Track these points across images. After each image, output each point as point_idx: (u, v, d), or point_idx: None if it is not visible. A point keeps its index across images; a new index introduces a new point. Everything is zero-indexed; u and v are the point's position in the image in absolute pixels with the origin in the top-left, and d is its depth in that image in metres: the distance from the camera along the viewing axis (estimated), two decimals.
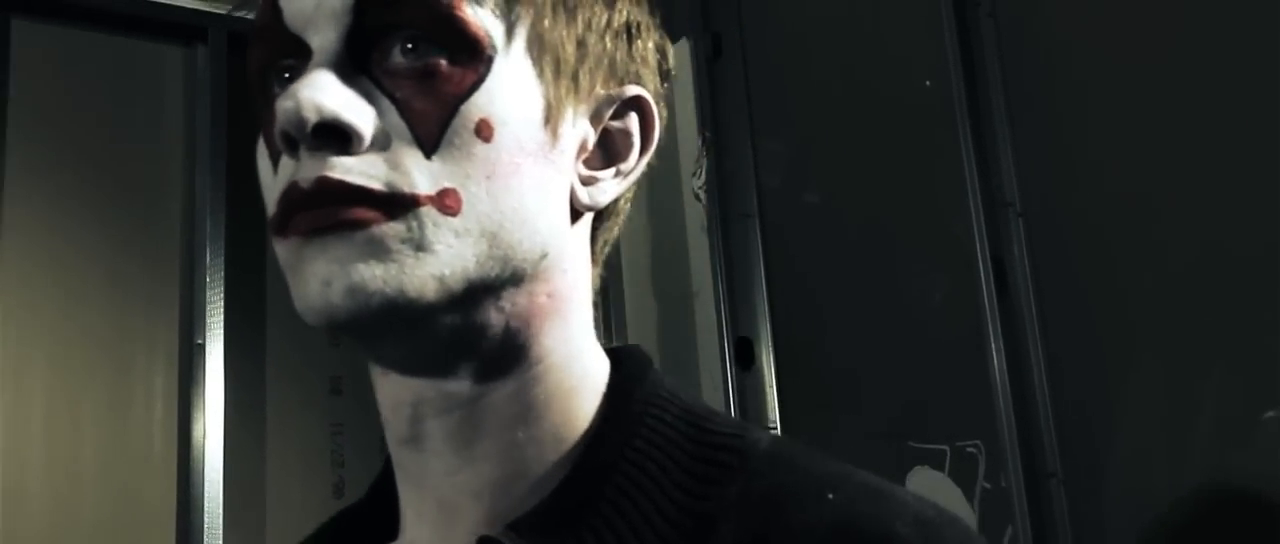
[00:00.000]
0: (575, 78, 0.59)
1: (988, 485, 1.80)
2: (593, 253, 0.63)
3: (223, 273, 2.12)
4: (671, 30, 2.33)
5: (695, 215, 2.42)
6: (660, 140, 0.64)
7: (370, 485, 0.66)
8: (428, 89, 0.54)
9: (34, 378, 2.06)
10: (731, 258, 2.33)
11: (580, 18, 0.60)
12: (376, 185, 0.52)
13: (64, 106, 2.19)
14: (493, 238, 0.54)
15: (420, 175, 0.53)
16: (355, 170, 0.52)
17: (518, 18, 0.57)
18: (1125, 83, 1.67)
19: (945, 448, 1.87)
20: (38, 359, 2.08)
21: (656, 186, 2.56)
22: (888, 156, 2.05)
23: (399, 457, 0.60)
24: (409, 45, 0.54)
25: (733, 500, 0.55)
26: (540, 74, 0.57)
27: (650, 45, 0.65)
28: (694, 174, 2.43)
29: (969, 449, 1.83)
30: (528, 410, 0.58)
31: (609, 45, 0.61)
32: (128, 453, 2.13)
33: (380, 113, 0.54)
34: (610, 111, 0.61)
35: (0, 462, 1.99)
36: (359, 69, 0.55)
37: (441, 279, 0.53)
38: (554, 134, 0.57)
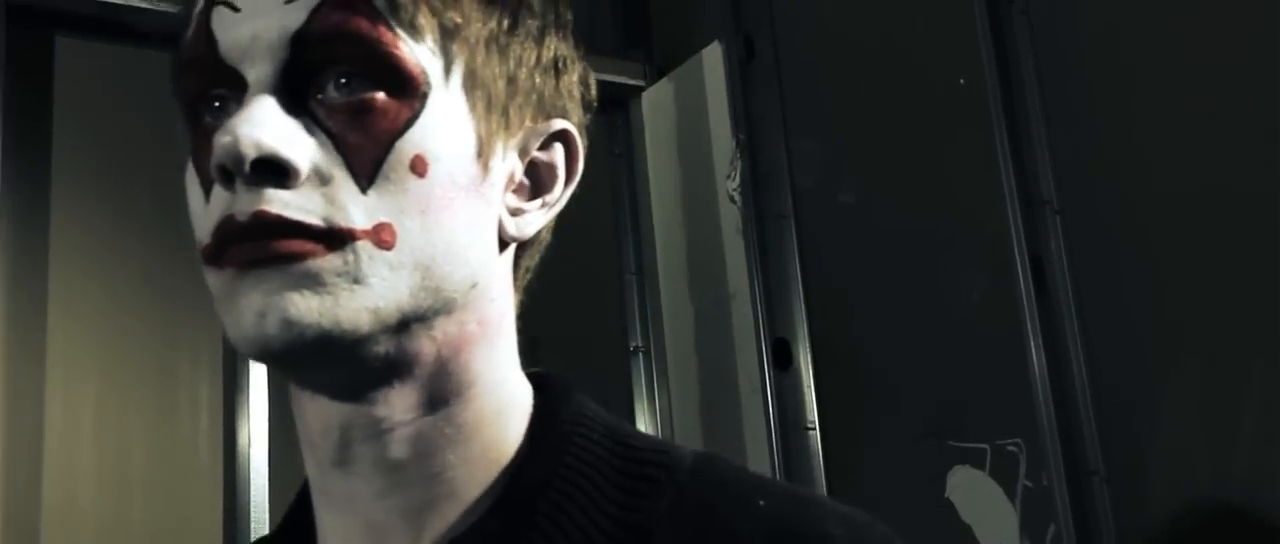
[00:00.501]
0: (506, 113, 0.61)
1: (1029, 484, 1.79)
2: (515, 281, 0.65)
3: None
4: (704, 32, 2.33)
5: (730, 217, 2.43)
6: (584, 171, 0.65)
7: (285, 515, 0.67)
8: (363, 124, 0.55)
9: (83, 388, 2.10)
10: (767, 259, 2.33)
11: (511, 55, 0.61)
12: (313, 220, 0.53)
13: (111, 121, 2.23)
14: (426, 270, 0.55)
15: (356, 209, 0.54)
16: (292, 204, 0.53)
17: (453, 55, 0.58)
18: (1162, 77, 1.66)
19: (985, 447, 1.87)
20: (87, 370, 2.11)
21: (691, 189, 2.57)
22: (923, 155, 2.04)
23: (324, 482, 0.60)
24: (343, 80, 0.55)
25: (664, 512, 0.58)
26: (473, 110, 0.59)
27: (576, 78, 0.67)
28: (728, 176, 2.43)
29: (1010, 448, 1.83)
30: (458, 433, 0.59)
31: (538, 81, 0.63)
32: (174, 461, 2.16)
33: (316, 147, 0.54)
34: (537, 144, 0.63)
35: (50, 471, 2.03)
36: (295, 103, 0.55)
37: (376, 311, 0.54)
38: (485, 168, 0.59)
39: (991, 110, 1.88)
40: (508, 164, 0.61)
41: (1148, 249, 1.66)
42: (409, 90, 0.56)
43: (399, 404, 0.57)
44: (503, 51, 0.61)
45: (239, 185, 0.53)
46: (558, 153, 0.64)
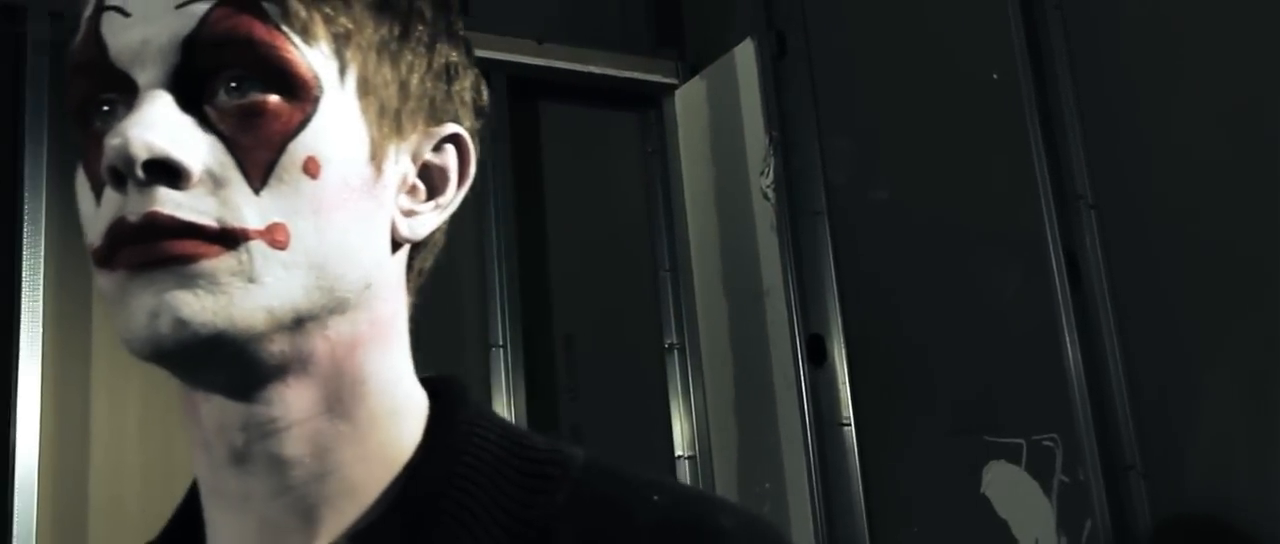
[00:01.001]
0: (398, 117, 0.61)
1: (1065, 479, 1.79)
2: (408, 282, 0.66)
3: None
4: (736, 30, 2.34)
5: (764, 214, 2.43)
6: (476, 174, 0.66)
7: (171, 516, 0.67)
8: (256, 126, 0.55)
9: (128, 387, 2.14)
10: (801, 255, 2.34)
11: (403, 61, 0.62)
12: (206, 221, 0.53)
13: None
14: (320, 270, 0.56)
15: (249, 210, 0.54)
16: (185, 205, 0.53)
17: (346, 60, 0.59)
18: (1197, 68, 1.66)
19: (1021, 442, 1.86)
20: (132, 368, 2.15)
21: (725, 187, 2.58)
22: (956, 150, 2.04)
23: (218, 481, 0.60)
24: (234, 84, 0.56)
25: (561, 508, 0.59)
26: (365, 114, 0.59)
27: (467, 84, 0.67)
28: (762, 173, 2.44)
29: (1046, 443, 1.82)
30: (354, 431, 0.60)
31: (430, 86, 0.64)
32: None
33: (208, 149, 0.55)
34: (430, 148, 0.64)
35: (96, 469, 2.07)
36: (187, 105, 0.56)
37: (270, 310, 0.54)
38: (378, 170, 0.60)
39: (1025, 104, 1.87)
40: (401, 167, 0.62)
41: (1183, 243, 1.65)
42: (301, 93, 0.56)
43: (294, 403, 0.58)
44: (394, 57, 0.62)
45: (130, 187, 0.54)
46: (450, 156, 0.65)
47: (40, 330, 2.02)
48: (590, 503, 0.60)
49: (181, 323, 0.53)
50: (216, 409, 0.58)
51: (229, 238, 0.54)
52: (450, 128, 0.65)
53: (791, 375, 2.30)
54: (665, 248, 2.71)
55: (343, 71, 0.59)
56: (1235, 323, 1.58)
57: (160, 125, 0.54)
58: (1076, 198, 1.80)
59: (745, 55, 2.52)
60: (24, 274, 2.02)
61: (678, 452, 2.59)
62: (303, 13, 0.57)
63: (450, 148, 0.65)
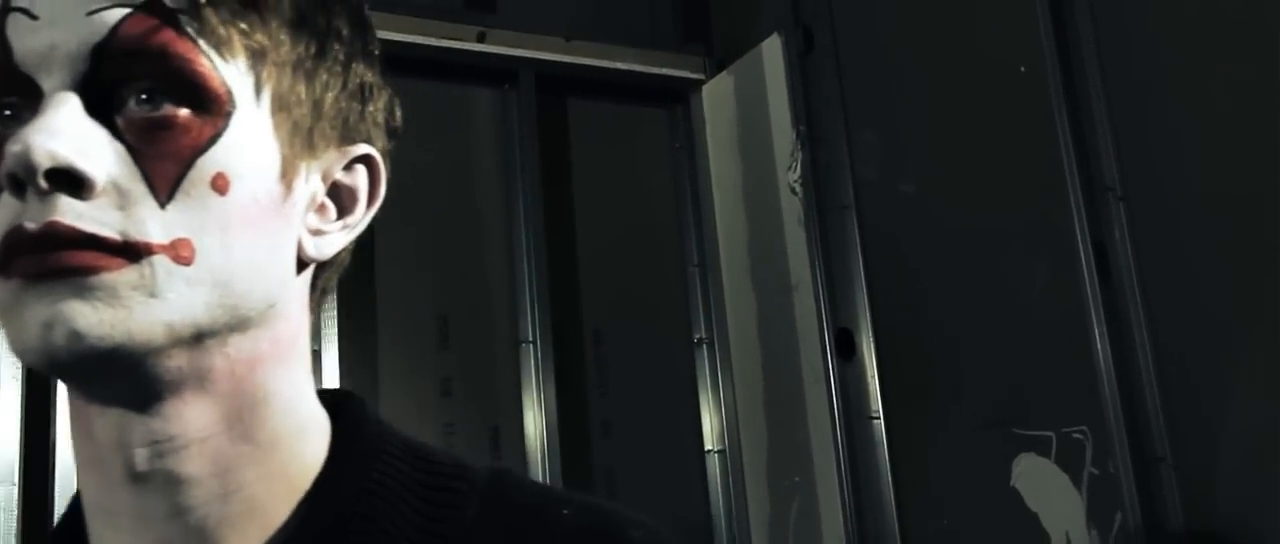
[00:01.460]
0: (311, 136, 0.61)
1: (1095, 471, 1.78)
2: (311, 301, 0.65)
3: (335, 283, 2.20)
4: (762, 25, 2.34)
5: (792, 209, 2.44)
6: (385, 196, 0.66)
7: (51, 536, 0.64)
8: (164, 140, 0.54)
9: None
10: (829, 250, 2.34)
11: (318, 81, 0.61)
12: (109, 233, 0.52)
13: None
14: (224, 287, 0.55)
15: (154, 224, 0.53)
16: (87, 216, 0.52)
17: (261, 77, 0.58)
18: (1225, 58, 1.65)
19: (1051, 434, 1.86)
20: None
21: (753, 182, 2.58)
22: (984, 143, 2.04)
23: (110, 499, 0.58)
24: (144, 95, 0.54)
25: (472, 522, 0.60)
26: (278, 131, 0.59)
27: (381, 105, 0.67)
28: (789, 168, 2.44)
29: (1075, 435, 1.82)
30: (256, 450, 0.59)
31: (344, 106, 0.63)
32: None
33: (115, 159, 0.53)
34: (341, 167, 0.63)
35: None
36: (94, 113, 0.54)
37: (170, 326, 0.53)
38: (288, 188, 0.59)
39: (1053, 96, 1.87)
40: (310, 186, 0.61)
41: (1213, 233, 1.65)
42: (213, 108, 0.55)
43: (193, 420, 0.57)
44: (310, 76, 0.61)
45: (30, 195, 0.52)
46: (361, 176, 0.64)
47: None
48: (503, 515, 0.61)
49: (77, 335, 0.51)
50: (113, 425, 0.57)
51: (132, 251, 0.52)
52: (362, 148, 0.64)
53: (820, 369, 2.31)
54: (694, 243, 2.72)
55: (258, 88, 0.58)
56: (1265, 314, 1.58)
57: (65, 133, 0.52)
58: (1105, 189, 1.80)
59: (772, 50, 2.53)
60: None
61: (707, 446, 2.60)
62: (220, 28, 0.56)
63: (361, 168, 0.64)
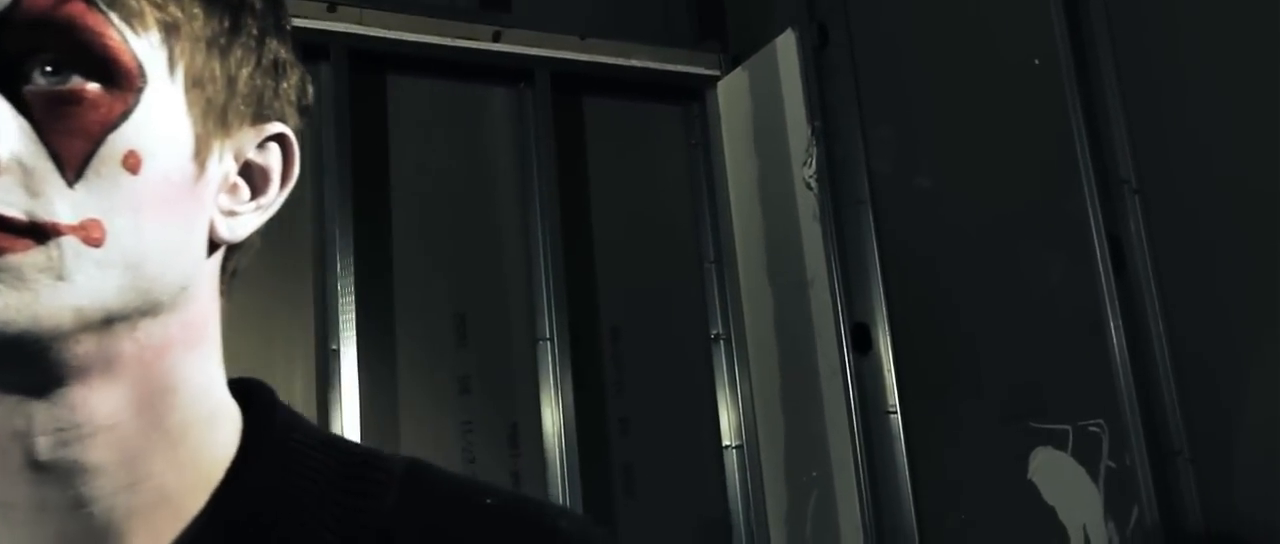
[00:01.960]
0: (224, 114, 0.58)
1: (1112, 464, 1.78)
2: (222, 284, 0.63)
3: (353, 282, 2.21)
4: (777, 21, 2.35)
5: (808, 204, 2.44)
6: (299, 175, 0.64)
7: None
8: (72, 115, 0.51)
9: None
10: (845, 244, 2.35)
11: (232, 57, 0.59)
12: (14, 213, 0.49)
13: None
14: (136, 270, 0.53)
15: (62, 204, 0.50)
16: None
17: (175, 53, 0.55)
18: (1240, 51, 1.64)
19: (1068, 428, 1.86)
20: None
21: (768, 177, 2.59)
22: (998, 137, 2.04)
23: (8, 491, 0.55)
24: (50, 68, 0.51)
25: (391, 511, 0.59)
26: (191, 109, 0.56)
27: (294, 82, 0.65)
28: (805, 163, 2.45)
29: (1092, 428, 1.82)
30: (165, 438, 0.57)
31: (258, 83, 0.61)
32: None
33: (19, 136, 0.50)
34: (254, 146, 0.61)
35: None
36: None
37: (79, 310, 0.51)
38: (201, 168, 0.57)
39: (1067, 89, 1.87)
40: (224, 165, 0.59)
41: (1228, 226, 1.65)
42: (124, 83, 0.52)
43: (99, 407, 0.54)
44: (223, 52, 0.58)
45: None
46: (274, 155, 0.62)
47: None
48: (423, 504, 0.60)
49: None
50: (10, 411, 0.54)
51: (39, 232, 0.50)
52: (275, 127, 0.62)
53: (837, 364, 2.31)
54: (710, 239, 2.72)
55: (171, 64, 0.55)
56: None
57: None
58: (1120, 182, 1.80)
59: (787, 46, 2.53)
60: None
61: (725, 442, 2.61)
62: (132, 1, 0.53)
63: (274, 147, 0.62)
